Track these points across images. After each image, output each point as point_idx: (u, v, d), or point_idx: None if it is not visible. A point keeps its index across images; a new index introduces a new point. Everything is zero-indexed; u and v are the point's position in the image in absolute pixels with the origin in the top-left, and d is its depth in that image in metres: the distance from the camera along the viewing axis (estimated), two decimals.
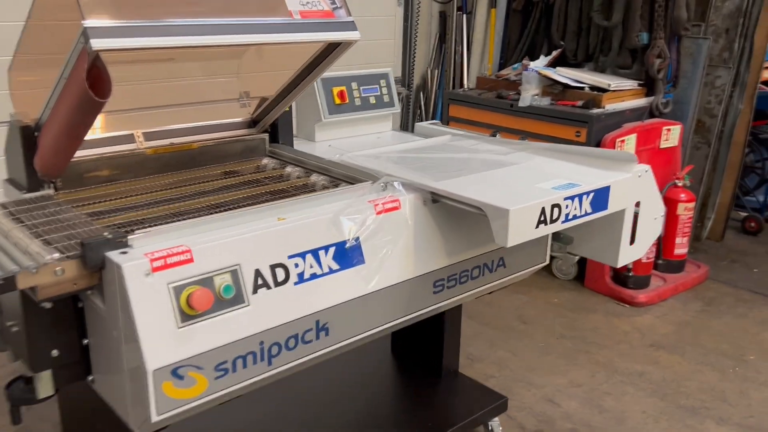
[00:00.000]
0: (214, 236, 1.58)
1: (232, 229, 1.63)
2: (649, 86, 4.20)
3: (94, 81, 1.47)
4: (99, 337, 1.62)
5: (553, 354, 3.35)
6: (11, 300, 1.64)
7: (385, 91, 2.70)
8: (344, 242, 1.77)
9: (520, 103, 4.10)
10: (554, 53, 4.52)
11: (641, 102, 4.16)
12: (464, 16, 5.16)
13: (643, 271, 3.94)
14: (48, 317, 1.61)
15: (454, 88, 5.22)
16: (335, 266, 1.75)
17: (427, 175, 2.01)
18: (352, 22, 1.93)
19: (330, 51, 2.04)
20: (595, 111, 3.88)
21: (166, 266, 1.47)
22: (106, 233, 1.50)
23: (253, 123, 2.38)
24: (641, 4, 4.10)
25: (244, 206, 1.83)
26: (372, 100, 2.66)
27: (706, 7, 4.44)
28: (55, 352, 1.64)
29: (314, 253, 1.72)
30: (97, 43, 1.45)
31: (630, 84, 4.12)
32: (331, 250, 1.75)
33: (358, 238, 1.79)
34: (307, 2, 1.85)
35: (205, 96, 2.40)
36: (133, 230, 1.64)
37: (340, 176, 2.08)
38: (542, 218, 1.81)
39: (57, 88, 1.64)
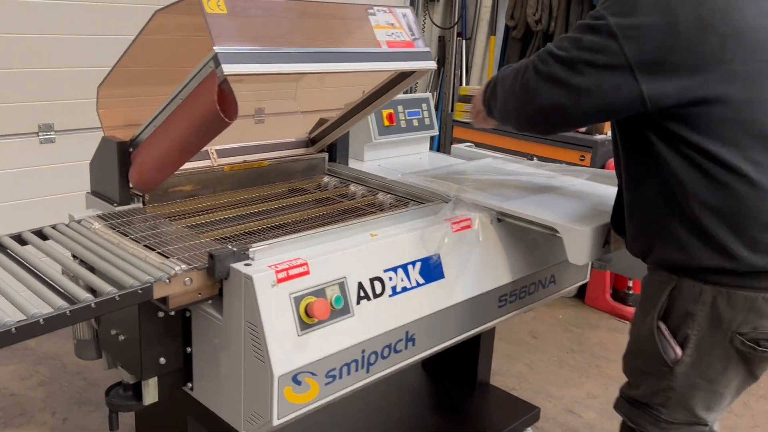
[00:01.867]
0: (324, 250, 1.69)
1: (336, 244, 1.74)
2: None
3: (219, 102, 1.57)
4: (207, 346, 1.70)
5: (566, 367, 3.51)
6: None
7: (426, 114, 2.84)
8: (429, 258, 1.89)
9: None
10: None
11: None
12: (463, 41, 5.35)
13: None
14: (161, 326, 1.68)
15: (452, 110, 5.40)
16: (421, 280, 1.87)
17: (492, 195, 2.15)
18: (429, 52, 2.07)
19: (401, 78, 2.17)
20: (599, 137, 4.09)
21: (288, 278, 1.57)
22: (230, 245, 1.59)
23: (310, 142, 2.49)
24: None
25: (334, 222, 1.94)
26: (415, 123, 2.80)
27: None
28: (162, 360, 1.71)
29: (404, 267, 1.83)
30: (228, 69, 1.55)
31: None
32: (418, 265, 1.86)
33: (439, 254, 1.92)
34: (392, 33, 1.98)
35: (268, 120, 2.50)
36: (240, 243, 1.74)
37: (407, 195, 2.20)
38: (608, 238, 1.96)
39: (169, 108, 1.73)
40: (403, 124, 2.75)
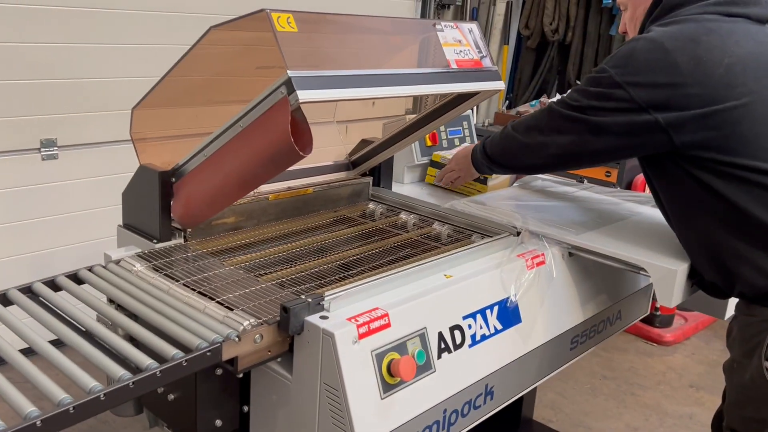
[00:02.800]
0: (400, 297, 1.50)
1: (411, 288, 1.55)
2: None
3: (292, 132, 1.38)
4: (271, 406, 1.50)
5: (601, 396, 3.36)
6: None
7: (467, 132, 2.67)
8: (506, 300, 1.71)
9: None
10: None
11: None
12: None
13: (668, 311, 4.01)
14: (219, 385, 1.49)
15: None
16: (499, 326, 1.69)
17: (560, 226, 1.98)
18: (497, 71, 1.89)
19: (463, 98, 1.99)
20: None
21: (369, 332, 1.38)
22: (300, 294, 1.40)
23: (351, 165, 2.30)
24: None
25: (400, 260, 1.76)
26: (456, 142, 2.62)
27: None
28: (218, 422, 1.51)
29: (482, 312, 1.65)
30: (304, 95, 1.36)
31: None
32: (495, 309, 1.69)
33: (516, 295, 1.74)
34: (461, 51, 1.80)
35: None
36: (306, 289, 1.55)
37: (466, 225, 2.02)
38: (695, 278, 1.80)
39: (225, 136, 1.53)
40: (445, 143, 2.57)
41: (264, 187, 2.00)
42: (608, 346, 3.86)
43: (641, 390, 3.43)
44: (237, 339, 1.30)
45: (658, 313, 3.98)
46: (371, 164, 2.27)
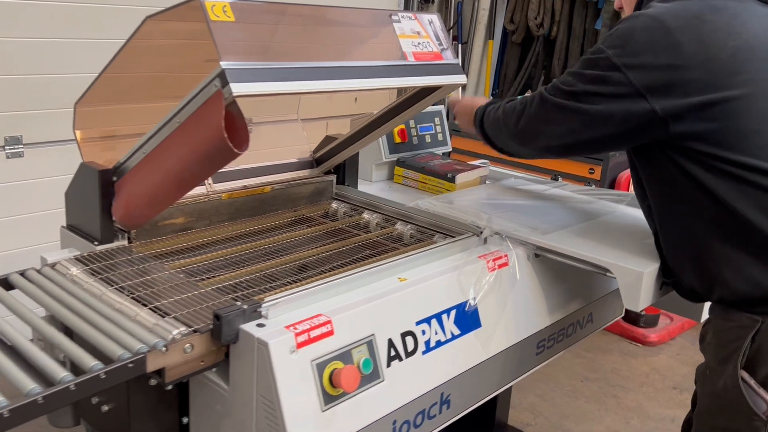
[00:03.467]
0: (347, 302, 1.42)
1: (360, 293, 1.47)
2: None
3: (227, 128, 1.29)
4: (209, 418, 1.42)
5: (582, 398, 3.28)
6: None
7: (439, 129, 2.59)
8: (464, 304, 1.63)
9: None
10: None
11: None
12: (459, 46, 5.11)
13: (653, 310, 3.94)
14: (154, 396, 1.40)
15: (449, 118, 5.16)
16: (456, 331, 1.61)
17: (526, 226, 1.90)
18: (458, 64, 1.81)
19: (424, 93, 1.91)
20: None
21: (309, 340, 1.30)
22: (237, 300, 1.32)
23: (315, 162, 2.22)
24: None
25: (354, 262, 1.67)
26: (428, 139, 2.54)
27: None
28: None
29: (438, 317, 1.57)
30: (238, 88, 1.28)
31: None
32: (452, 313, 1.61)
33: (476, 299, 1.66)
34: (419, 43, 1.72)
35: (266, 133, 2.22)
36: (249, 294, 1.47)
37: (430, 226, 1.94)
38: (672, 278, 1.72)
39: (162, 132, 1.45)
40: (415, 140, 2.49)
41: (218, 186, 1.92)
42: (591, 347, 3.78)
43: (623, 392, 3.36)
44: (164, 349, 1.22)
45: (643, 313, 3.90)
46: (335, 161, 2.19)
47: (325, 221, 2.01)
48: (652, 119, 1.46)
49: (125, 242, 1.67)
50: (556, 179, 2.46)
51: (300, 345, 1.28)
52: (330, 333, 1.33)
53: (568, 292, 1.95)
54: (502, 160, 4.07)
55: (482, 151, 4.21)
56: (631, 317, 3.96)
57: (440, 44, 1.78)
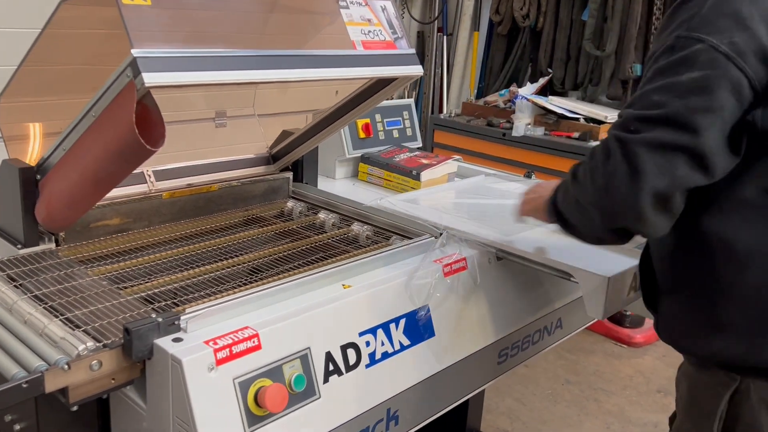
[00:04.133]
0: (280, 313, 1.30)
1: (295, 302, 1.35)
2: None
3: (140, 123, 1.17)
4: None
5: (562, 402, 3.17)
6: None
7: (408, 123, 2.47)
8: (416, 312, 1.52)
9: (514, 133, 3.93)
10: (542, 81, 4.39)
11: None
12: (444, 37, 4.98)
13: None
14: (68, 415, 1.28)
15: (433, 112, 5.03)
16: (406, 342, 1.49)
17: (487, 226, 1.78)
18: (414, 54, 1.69)
19: (381, 85, 1.79)
20: (595, 143, 3.74)
21: (231, 356, 1.18)
22: (154, 314, 1.20)
23: (271, 159, 2.10)
24: (636, 35, 4.02)
25: (295, 269, 1.56)
26: (395, 134, 2.42)
27: None
28: None
29: (385, 327, 1.46)
30: (151, 78, 1.16)
31: None
32: (402, 322, 1.49)
33: (428, 307, 1.54)
34: (369, 31, 1.59)
35: (221, 129, 2.10)
36: (172, 304, 1.35)
37: (387, 226, 1.83)
38: (634, 284, 1.61)
39: (79, 127, 1.33)
40: (381, 135, 2.37)
41: (161, 184, 1.80)
42: (574, 348, 3.67)
43: (605, 396, 3.24)
44: (66, 367, 1.10)
45: (628, 313, 3.79)
46: (293, 157, 2.07)
47: (277, 222, 1.89)
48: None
49: (52, 245, 1.56)
50: (529, 176, 2.34)
51: (220, 361, 1.17)
52: (256, 347, 1.22)
53: (533, 297, 1.83)
54: (496, 159, 3.99)
55: (471, 147, 4.10)
56: (616, 317, 3.84)
57: (394, 32, 1.66)
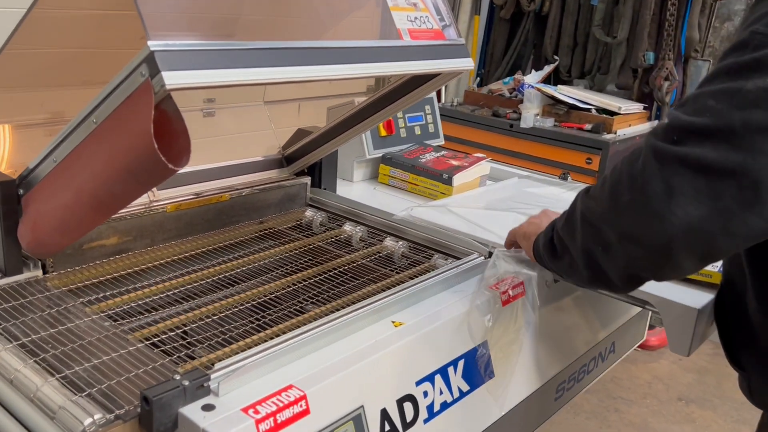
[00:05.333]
0: (325, 364, 1.07)
1: (342, 348, 1.12)
2: (650, 109, 3.93)
3: (158, 134, 0.92)
4: None
5: (582, 414, 2.99)
6: None
7: (430, 119, 2.23)
8: (475, 350, 1.29)
9: (522, 124, 3.71)
10: (548, 68, 4.17)
11: (646, 127, 3.87)
12: None
13: None
14: None
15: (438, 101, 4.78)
16: (465, 387, 1.27)
17: None
18: (464, 45, 1.45)
19: (422, 80, 1.55)
20: (608, 136, 3.54)
21: (276, 427, 0.95)
22: (177, 375, 0.96)
23: (284, 161, 1.85)
24: (649, 22, 3.81)
25: (331, 299, 1.32)
26: (417, 131, 2.18)
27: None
28: None
29: (443, 372, 1.23)
30: (172, 78, 0.90)
31: (637, 107, 3.83)
32: (460, 364, 1.27)
33: (487, 343, 1.32)
34: (416, 17, 1.35)
35: (223, 123, 1.84)
36: (192, 353, 1.11)
37: (424, 242, 1.60)
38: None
39: (76, 135, 1.07)
40: (403, 133, 2.13)
41: (163, 193, 1.55)
42: None
43: (626, 405, 3.07)
44: None
45: None
46: (309, 160, 1.82)
47: (298, 236, 1.64)
48: None
49: (39, 273, 1.30)
50: (565, 177, 2.12)
51: None
52: (305, 412, 0.98)
53: (590, 323, 1.63)
54: (503, 151, 3.77)
55: (476, 138, 3.88)
56: None
57: (441, 19, 1.42)
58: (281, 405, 0.96)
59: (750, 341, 1.14)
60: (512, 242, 1.43)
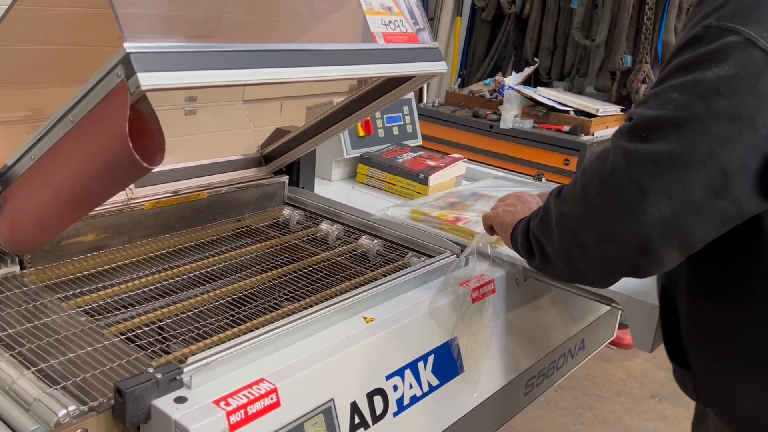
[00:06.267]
0: (296, 358, 1.10)
1: (314, 343, 1.15)
2: (627, 111, 3.99)
3: (133, 133, 0.95)
4: None
5: (557, 410, 3.04)
6: None
7: (408, 120, 2.27)
8: (447, 344, 1.33)
9: (502, 125, 3.76)
10: (527, 70, 4.22)
11: None
12: None
13: None
14: None
15: (420, 102, 4.82)
16: (434, 381, 1.31)
17: None
18: (438, 49, 1.48)
19: (396, 83, 1.58)
20: (586, 138, 3.60)
21: (247, 419, 0.98)
22: (150, 368, 0.98)
23: (263, 160, 1.87)
24: (627, 25, 3.88)
25: (305, 296, 1.35)
26: (395, 131, 2.22)
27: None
28: None
29: (413, 366, 1.27)
30: (147, 79, 0.93)
31: (614, 109, 3.88)
32: (431, 359, 1.30)
33: (457, 338, 1.36)
34: (390, 21, 1.38)
35: (202, 126, 1.87)
36: (167, 348, 1.13)
37: (399, 240, 1.63)
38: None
39: (53, 134, 1.09)
40: (381, 133, 2.17)
41: (141, 191, 1.57)
42: None
43: (600, 402, 3.12)
44: None
45: None
46: (288, 159, 1.85)
47: (275, 234, 1.67)
48: None
49: (16, 268, 1.32)
50: (539, 178, 2.17)
51: (235, 426, 0.96)
52: (275, 405, 1.02)
53: (560, 320, 1.67)
54: (482, 151, 3.81)
55: (456, 139, 3.92)
56: None
57: (416, 23, 1.45)
58: (252, 398, 0.99)
59: (696, 338, 1.14)
60: (490, 227, 1.40)
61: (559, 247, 1.09)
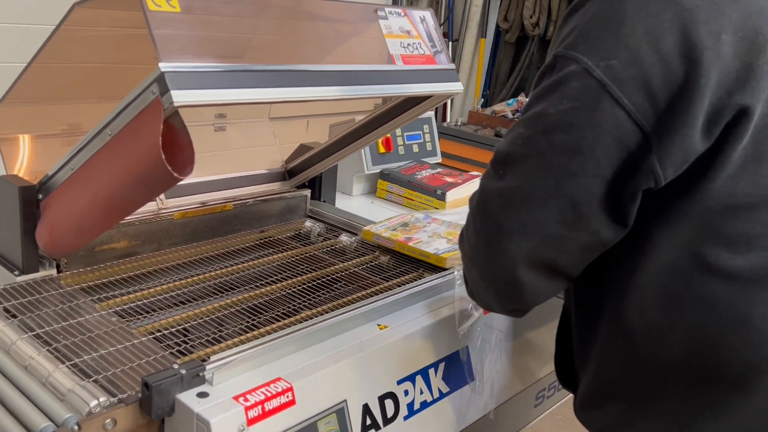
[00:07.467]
0: (312, 360, 1.16)
1: (329, 347, 1.21)
2: None
3: (166, 146, 1.03)
4: None
5: (572, 427, 3.04)
6: None
7: (428, 138, 2.33)
8: (457, 353, 1.38)
9: None
10: None
11: None
12: (450, 43, 4.85)
13: None
14: None
15: (437, 119, 4.90)
16: (445, 388, 1.36)
17: None
18: (454, 70, 1.56)
19: (414, 102, 1.65)
20: None
21: (263, 414, 1.04)
22: (176, 364, 1.05)
23: (287, 174, 1.95)
24: None
25: (323, 303, 1.42)
26: (415, 149, 2.29)
27: None
28: None
29: (424, 373, 1.32)
30: (180, 96, 1.01)
31: None
32: (441, 366, 1.36)
33: (467, 347, 1.41)
34: (408, 44, 1.46)
35: (230, 141, 1.95)
36: (191, 347, 1.20)
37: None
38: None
39: (92, 146, 1.18)
40: (401, 150, 2.24)
41: (171, 201, 1.65)
42: None
43: None
44: (76, 427, 0.96)
45: None
46: (311, 174, 1.92)
47: (296, 245, 1.74)
48: (647, 174, 0.93)
49: (53, 271, 1.40)
50: None
51: (252, 421, 1.03)
52: (291, 403, 1.08)
53: None
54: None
55: (477, 157, 3.97)
56: None
57: (433, 46, 1.53)
58: (269, 395, 1.05)
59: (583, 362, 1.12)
60: None
61: (470, 283, 1.14)
